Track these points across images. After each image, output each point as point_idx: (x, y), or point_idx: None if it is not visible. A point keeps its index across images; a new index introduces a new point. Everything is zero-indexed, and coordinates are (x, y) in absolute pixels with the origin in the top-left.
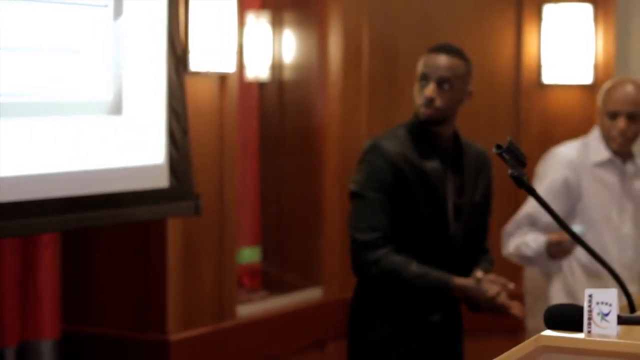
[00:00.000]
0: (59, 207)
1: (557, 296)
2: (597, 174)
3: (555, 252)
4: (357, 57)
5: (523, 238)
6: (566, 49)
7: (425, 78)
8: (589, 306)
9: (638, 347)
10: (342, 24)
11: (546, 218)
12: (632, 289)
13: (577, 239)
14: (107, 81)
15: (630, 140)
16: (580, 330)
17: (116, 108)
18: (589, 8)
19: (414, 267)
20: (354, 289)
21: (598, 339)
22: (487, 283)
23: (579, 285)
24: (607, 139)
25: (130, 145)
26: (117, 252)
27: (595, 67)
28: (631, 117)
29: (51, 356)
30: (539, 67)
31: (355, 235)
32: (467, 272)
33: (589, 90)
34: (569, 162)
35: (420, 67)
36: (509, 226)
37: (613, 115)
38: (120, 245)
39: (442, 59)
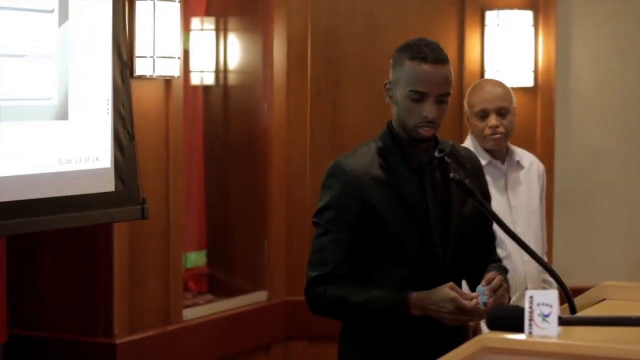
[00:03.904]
0: (4, 211)
1: None
2: None
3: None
4: (302, 62)
5: None
6: (508, 54)
7: (422, 97)
8: (530, 307)
9: (578, 347)
10: (286, 29)
11: None
12: (533, 285)
13: (516, 239)
14: (53, 86)
15: (505, 136)
16: (522, 331)
17: (62, 113)
18: (529, 14)
19: (364, 291)
20: (341, 329)
21: (539, 340)
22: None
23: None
24: (482, 140)
25: (76, 150)
26: (63, 256)
27: (537, 71)
28: (500, 114)
29: None
30: (481, 72)
31: (307, 270)
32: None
33: (531, 92)
34: None
35: (414, 83)
36: None
37: (483, 115)
38: (67, 249)
39: (444, 73)
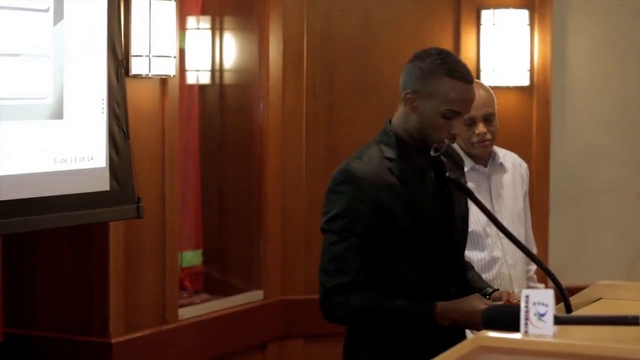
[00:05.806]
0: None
1: None
2: None
3: None
4: (298, 60)
5: None
6: (503, 53)
7: (455, 116)
8: (526, 307)
9: (574, 346)
10: (282, 28)
11: None
12: (519, 287)
13: (512, 239)
14: (48, 85)
15: (492, 142)
16: (518, 330)
17: (57, 112)
18: (525, 13)
19: (389, 302)
20: (345, 339)
21: (535, 339)
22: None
23: None
24: (468, 147)
25: (71, 149)
26: (59, 256)
27: (532, 70)
28: (487, 120)
29: None
30: (477, 71)
31: (322, 279)
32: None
33: (527, 92)
34: None
35: (454, 102)
36: None
37: (470, 123)
38: (62, 249)
39: (474, 93)
